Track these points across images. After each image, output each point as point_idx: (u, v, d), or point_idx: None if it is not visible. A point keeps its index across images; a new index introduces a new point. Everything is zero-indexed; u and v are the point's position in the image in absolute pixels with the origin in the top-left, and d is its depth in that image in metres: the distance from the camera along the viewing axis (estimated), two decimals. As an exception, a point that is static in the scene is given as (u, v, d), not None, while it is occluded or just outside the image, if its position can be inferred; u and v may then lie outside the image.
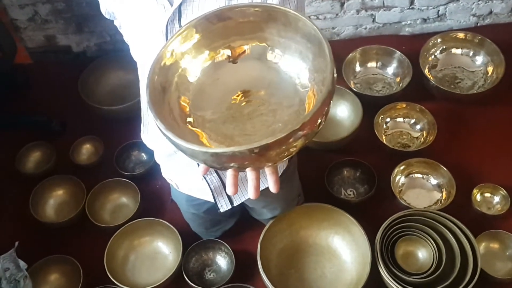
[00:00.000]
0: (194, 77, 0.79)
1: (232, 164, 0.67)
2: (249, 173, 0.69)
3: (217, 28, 0.77)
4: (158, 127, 0.68)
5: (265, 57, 0.78)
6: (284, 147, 0.64)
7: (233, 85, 0.78)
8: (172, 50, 0.76)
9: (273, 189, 0.72)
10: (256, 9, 0.75)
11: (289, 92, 0.76)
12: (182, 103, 0.77)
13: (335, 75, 0.68)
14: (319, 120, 0.66)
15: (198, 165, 1.18)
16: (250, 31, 0.77)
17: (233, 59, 0.79)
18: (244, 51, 0.79)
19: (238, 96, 0.78)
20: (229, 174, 0.71)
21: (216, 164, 0.67)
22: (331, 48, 0.68)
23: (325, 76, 0.68)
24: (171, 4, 0.89)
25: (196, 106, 0.77)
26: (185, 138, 0.67)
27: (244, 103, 0.77)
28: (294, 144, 0.65)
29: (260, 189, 0.72)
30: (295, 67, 0.77)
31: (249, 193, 0.71)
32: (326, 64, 0.68)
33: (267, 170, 0.70)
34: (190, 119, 0.76)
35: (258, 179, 0.70)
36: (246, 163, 0.66)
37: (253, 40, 0.78)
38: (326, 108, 0.66)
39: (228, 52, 0.79)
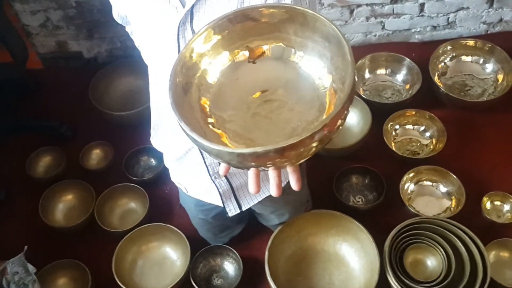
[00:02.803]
0: (214, 78, 0.79)
1: (255, 164, 0.68)
2: (271, 172, 0.70)
3: (235, 29, 0.78)
4: (183, 129, 0.69)
5: (283, 56, 0.79)
6: (306, 147, 0.65)
7: (252, 85, 0.79)
8: (191, 51, 0.77)
9: (295, 187, 0.72)
10: (274, 9, 0.76)
11: (307, 91, 0.77)
12: (203, 104, 0.78)
13: (356, 75, 0.68)
14: (340, 121, 0.67)
15: (207, 169, 1.18)
16: (268, 32, 0.78)
17: (252, 60, 0.80)
18: (263, 51, 0.80)
19: (257, 95, 0.78)
20: (251, 174, 0.72)
21: (240, 164, 0.68)
22: (350, 47, 0.69)
23: (345, 75, 0.69)
24: (183, 6, 0.90)
25: (216, 106, 0.78)
26: (207, 138, 0.68)
27: (263, 103, 0.78)
28: (315, 145, 0.66)
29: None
30: (313, 66, 0.77)
31: (271, 191, 0.72)
32: (346, 64, 0.69)
33: (289, 169, 0.71)
34: (211, 120, 0.77)
35: (279, 177, 0.71)
36: (269, 162, 0.67)
37: (270, 40, 0.79)
38: (347, 109, 0.67)
39: (246, 52, 0.80)
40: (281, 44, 0.78)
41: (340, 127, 0.68)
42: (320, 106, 0.75)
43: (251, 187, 0.72)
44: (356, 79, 0.68)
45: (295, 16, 0.74)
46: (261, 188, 0.73)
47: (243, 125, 0.76)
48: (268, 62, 0.80)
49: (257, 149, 0.63)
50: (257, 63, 0.80)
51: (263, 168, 0.69)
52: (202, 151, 1.11)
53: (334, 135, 0.68)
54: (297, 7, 0.74)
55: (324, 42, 0.74)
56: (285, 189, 0.75)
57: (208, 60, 0.79)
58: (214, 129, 0.76)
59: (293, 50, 0.78)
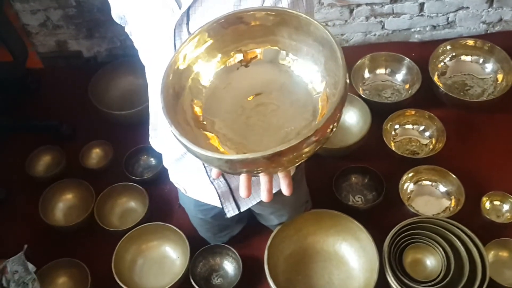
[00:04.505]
0: (207, 81, 0.79)
1: (245, 170, 0.67)
2: (262, 177, 0.70)
3: (229, 32, 0.78)
4: (173, 133, 0.69)
5: (277, 60, 0.79)
6: (297, 153, 0.64)
7: (245, 89, 0.79)
8: (185, 54, 0.77)
9: (286, 192, 0.72)
10: (268, 13, 0.75)
11: (301, 95, 0.77)
12: (195, 107, 0.78)
13: (348, 80, 0.68)
14: (332, 126, 0.66)
15: (206, 170, 1.18)
16: (262, 35, 0.78)
17: (245, 63, 0.80)
18: (257, 55, 0.79)
19: (250, 99, 0.78)
20: (242, 178, 0.71)
21: (230, 169, 0.68)
22: (343, 53, 0.68)
23: (337, 80, 0.69)
24: (180, 7, 0.90)
25: (209, 110, 0.78)
26: (198, 142, 0.68)
27: (256, 106, 0.78)
28: (307, 150, 0.65)
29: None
30: (307, 70, 0.77)
31: (262, 196, 0.72)
32: (338, 68, 0.68)
33: (280, 174, 0.71)
34: (203, 123, 0.77)
35: (271, 182, 0.71)
36: (259, 168, 0.67)
37: (265, 43, 0.79)
38: (338, 114, 0.67)
39: (240, 56, 0.80)
40: (276, 47, 0.78)
41: (333, 131, 0.68)
42: (314, 111, 0.74)
43: (242, 191, 0.72)
44: (348, 81, 0.68)
45: (289, 19, 0.74)
46: (258, 190, 0.73)
47: (236, 128, 0.76)
48: (262, 65, 0.79)
49: (246, 155, 0.63)
50: (251, 66, 0.80)
51: (254, 173, 0.69)
52: None
53: (326, 140, 0.67)
54: (291, 11, 0.74)
55: (318, 46, 0.74)
56: (284, 191, 0.75)
57: (201, 63, 0.79)
58: (206, 133, 0.76)
59: (287, 53, 0.78)
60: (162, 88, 0.73)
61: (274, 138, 0.74)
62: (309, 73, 0.77)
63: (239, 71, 0.80)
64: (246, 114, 0.77)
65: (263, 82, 0.79)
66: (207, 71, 0.79)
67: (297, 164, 0.69)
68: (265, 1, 0.89)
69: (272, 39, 0.78)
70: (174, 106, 0.74)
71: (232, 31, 0.78)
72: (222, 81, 0.80)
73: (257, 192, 1.24)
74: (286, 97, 0.78)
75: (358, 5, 2.12)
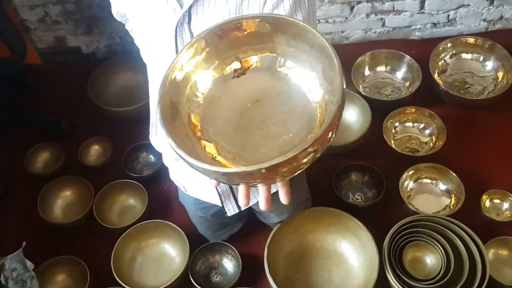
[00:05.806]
0: (205, 89, 0.79)
1: (243, 181, 0.67)
2: (260, 186, 0.70)
3: (227, 40, 0.77)
4: (170, 145, 0.68)
5: (275, 67, 0.78)
6: (294, 164, 0.64)
7: (243, 96, 0.78)
8: (182, 63, 0.76)
9: (284, 200, 0.72)
10: (266, 20, 0.75)
11: (299, 102, 0.76)
12: (193, 115, 0.77)
13: (345, 87, 0.67)
14: (330, 135, 0.66)
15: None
16: (260, 41, 0.77)
17: (243, 71, 0.79)
18: (254, 62, 0.79)
19: (248, 107, 0.78)
20: (240, 187, 0.71)
21: (228, 181, 0.68)
22: (339, 60, 0.68)
23: (335, 88, 0.68)
24: (181, 7, 0.90)
25: (206, 118, 0.77)
26: (196, 151, 0.67)
27: (254, 114, 0.77)
28: (305, 161, 0.65)
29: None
30: (305, 77, 0.77)
31: (260, 205, 0.71)
32: (336, 75, 0.68)
33: (278, 183, 0.70)
34: (201, 131, 0.76)
35: (269, 191, 0.70)
36: (257, 180, 0.66)
37: (263, 50, 0.78)
38: (337, 123, 0.66)
39: (237, 63, 0.79)
40: (274, 54, 0.78)
41: (332, 139, 0.67)
42: (312, 118, 0.74)
43: (241, 200, 0.72)
44: (345, 85, 0.67)
45: (287, 27, 0.74)
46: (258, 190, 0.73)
47: (234, 137, 0.76)
48: (260, 73, 0.79)
49: (243, 169, 0.63)
50: (248, 74, 0.79)
51: (252, 184, 0.69)
52: None
53: (325, 149, 0.67)
54: (288, 18, 0.73)
55: (316, 53, 0.73)
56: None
57: (199, 71, 0.78)
58: (204, 142, 0.75)
59: (286, 60, 0.77)
60: (159, 99, 0.72)
61: (272, 146, 0.74)
62: (307, 80, 0.76)
63: (237, 79, 0.79)
64: (244, 122, 0.77)
65: (261, 89, 0.79)
66: (205, 79, 0.79)
67: (296, 174, 0.68)
68: (267, 1, 0.88)
69: (270, 46, 0.77)
70: (172, 116, 0.74)
71: (229, 38, 0.77)
72: (219, 89, 0.79)
73: (258, 191, 1.25)
74: (284, 105, 0.77)
75: (359, 2, 2.12)
